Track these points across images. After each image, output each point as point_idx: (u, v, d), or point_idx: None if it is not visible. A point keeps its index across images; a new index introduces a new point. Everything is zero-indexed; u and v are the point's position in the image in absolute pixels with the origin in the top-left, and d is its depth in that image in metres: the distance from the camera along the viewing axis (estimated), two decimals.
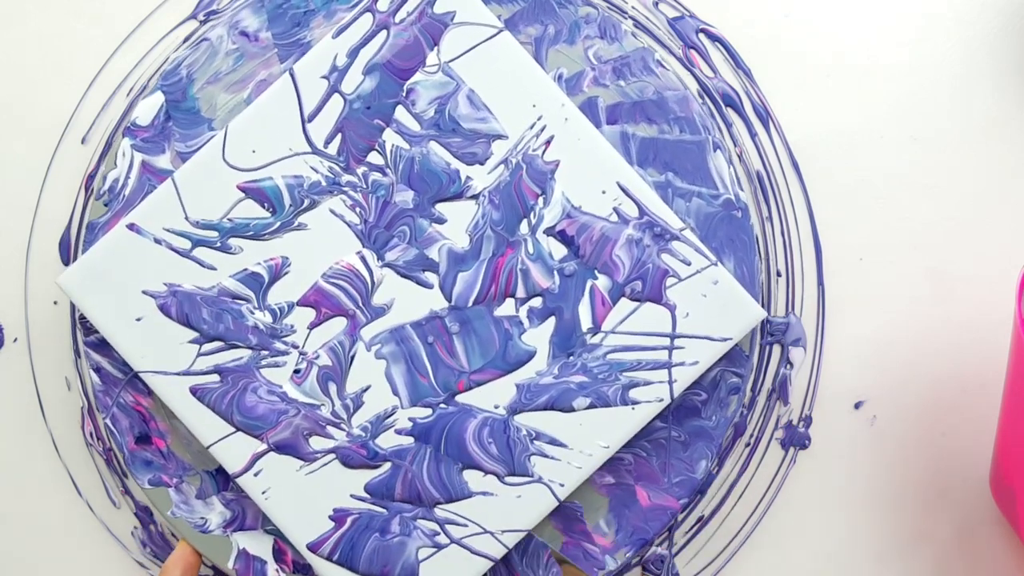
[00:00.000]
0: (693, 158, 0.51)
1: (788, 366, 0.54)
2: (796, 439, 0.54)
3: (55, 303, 0.54)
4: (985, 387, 0.53)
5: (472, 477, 0.50)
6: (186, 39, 0.54)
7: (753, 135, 0.54)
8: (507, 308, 0.50)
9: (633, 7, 0.54)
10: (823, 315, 0.54)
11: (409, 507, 0.50)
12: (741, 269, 0.51)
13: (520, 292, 0.50)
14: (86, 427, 0.54)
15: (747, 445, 0.54)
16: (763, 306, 0.53)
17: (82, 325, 0.52)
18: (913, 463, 0.54)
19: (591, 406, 0.50)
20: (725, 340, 0.50)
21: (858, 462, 0.54)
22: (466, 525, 0.50)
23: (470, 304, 0.50)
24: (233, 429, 0.50)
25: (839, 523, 0.54)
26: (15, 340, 0.54)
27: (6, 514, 0.54)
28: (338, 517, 0.50)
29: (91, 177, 0.54)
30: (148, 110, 0.52)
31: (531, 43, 0.52)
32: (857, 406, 0.54)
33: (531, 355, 0.50)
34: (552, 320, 0.50)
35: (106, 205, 0.52)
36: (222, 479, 0.52)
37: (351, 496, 0.50)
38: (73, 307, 0.54)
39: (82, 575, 0.54)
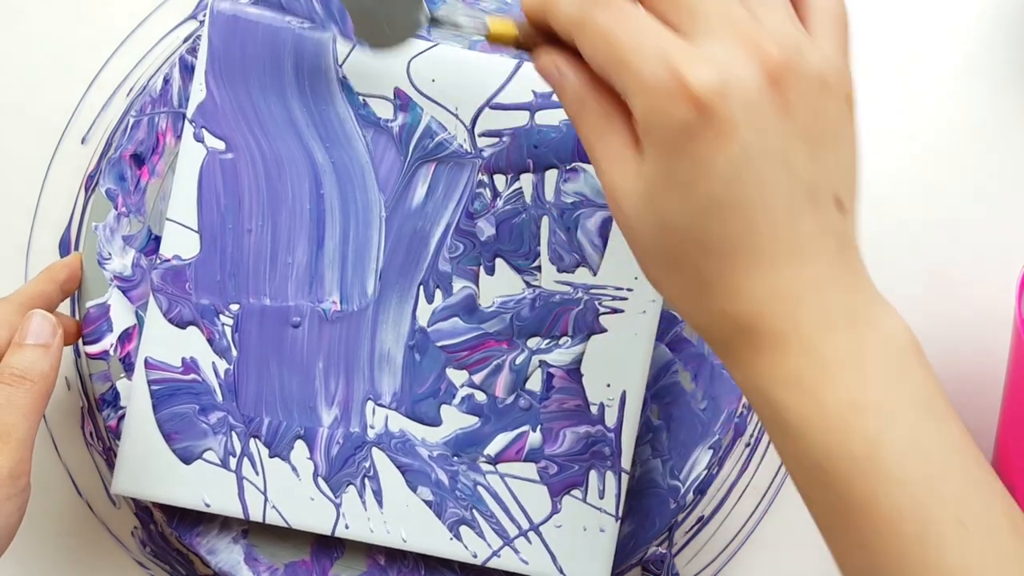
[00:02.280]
0: None
1: None
2: None
3: None
4: (985, 387, 0.53)
5: (298, 450, 0.50)
6: (186, 39, 0.54)
7: None
8: (457, 376, 0.50)
9: None
10: None
11: (238, 416, 0.50)
12: None
13: (478, 377, 0.50)
14: (86, 427, 0.54)
15: (747, 445, 0.54)
16: None
17: (193, 43, 0.52)
18: None
19: (427, 503, 0.50)
20: None
21: None
22: (257, 474, 0.50)
23: (438, 344, 0.50)
24: (195, 228, 0.50)
25: None
26: None
27: None
28: (187, 365, 0.50)
29: (91, 177, 0.54)
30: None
31: None
32: None
33: (435, 423, 0.50)
34: (475, 420, 0.50)
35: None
36: (152, 247, 0.52)
37: (212, 364, 0.51)
38: (73, 307, 0.54)
39: (82, 575, 0.54)
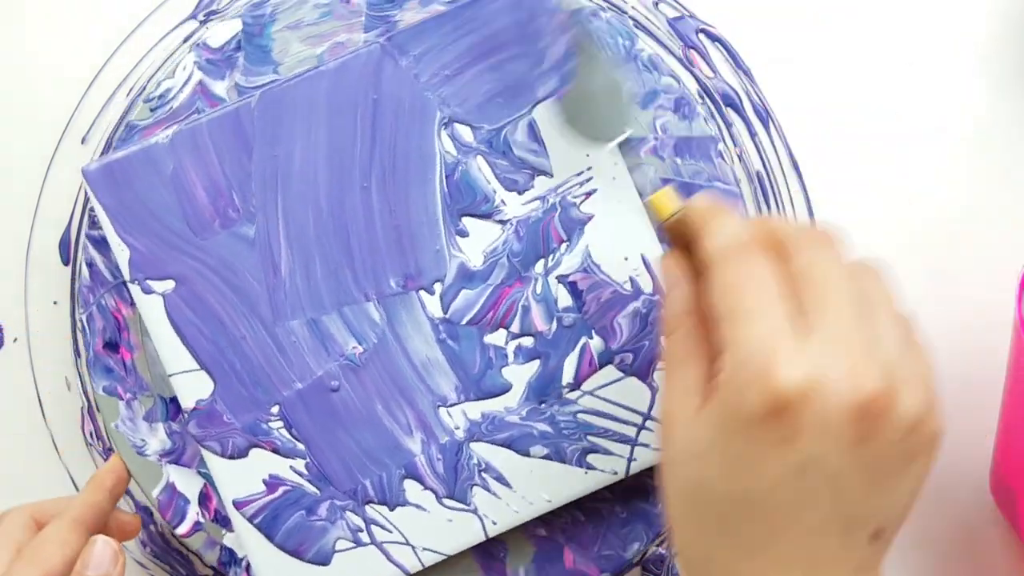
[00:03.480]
0: None
1: None
2: None
3: (55, 303, 0.54)
4: (985, 387, 0.53)
5: (411, 487, 0.50)
6: (186, 39, 0.54)
7: (753, 135, 0.54)
8: (497, 338, 0.50)
9: (633, 7, 0.54)
10: None
11: (343, 496, 0.50)
12: None
13: (515, 327, 0.50)
14: (86, 427, 0.54)
15: None
16: None
17: (90, 217, 0.53)
18: None
19: (547, 457, 0.50)
20: None
21: None
22: (391, 531, 0.50)
23: (464, 322, 0.50)
24: (197, 366, 0.50)
25: None
26: (15, 340, 0.54)
27: None
28: (271, 484, 0.50)
29: None
30: (222, 33, 0.52)
31: None
32: None
33: (505, 389, 0.50)
34: (536, 363, 0.50)
35: (152, 111, 0.52)
36: (173, 409, 0.52)
37: (291, 468, 0.50)
38: (73, 307, 0.54)
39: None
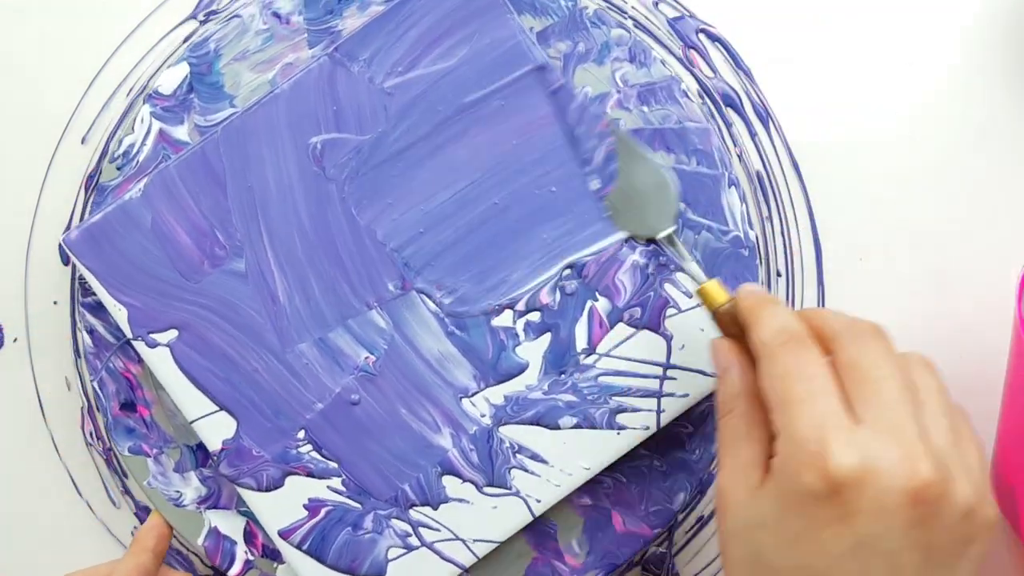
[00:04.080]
0: (707, 192, 0.51)
1: None
2: None
3: (55, 303, 0.54)
4: (985, 387, 0.53)
5: (450, 483, 0.50)
6: (186, 39, 0.54)
7: (753, 135, 0.54)
8: (505, 319, 0.50)
9: (633, 7, 0.54)
10: None
11: (384, 505, 0.50)
12: None
13: (520, 305, 0.50)
14: (86, 427, 0.54)
15: None
16: None
17: (80, 285, 0.52)
18: None
19: (577, 426, 0.50)
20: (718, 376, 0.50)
21: None
22: (439, 530, 0.50)
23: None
24: (216, 408, 0.50)
25: None
26: (15, 340, 0.54)
27: (6, 514, 0.54)
28: (312, 507, 0.50)
29: (91, 177, 0.54)
30: (172, 79, 0.52)
31: (560, 58, 0.52)
32: None
33: (522, 368, 0.50)
34: (548, 336, 0.50)
35: (119, 169, 0.52)
36: (202, 455, 0.52)
37: (328, 487, 0.50)
38: (73, 307, 0.54)
39: None
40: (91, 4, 0.54)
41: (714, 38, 0.54)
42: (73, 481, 0.54)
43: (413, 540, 0.50)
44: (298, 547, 0.50)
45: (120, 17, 0.54)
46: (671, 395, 0.50)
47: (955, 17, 0.54)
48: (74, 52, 0.54)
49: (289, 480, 0.50)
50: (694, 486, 0.52)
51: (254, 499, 0.51)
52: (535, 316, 0.50)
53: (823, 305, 0.54)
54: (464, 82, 0.50)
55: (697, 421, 0.52)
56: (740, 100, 0.54)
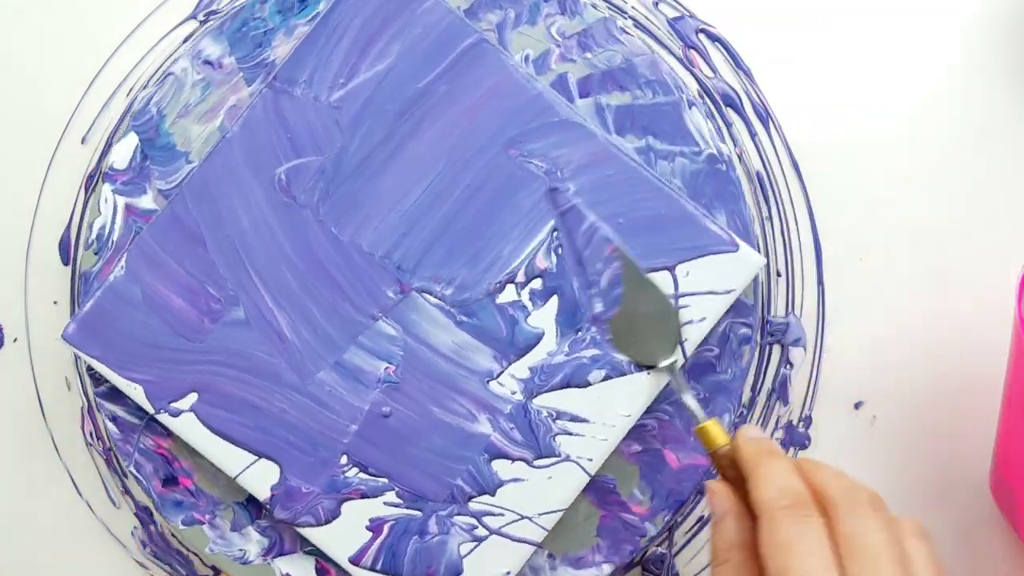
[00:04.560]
0: (670, 119, 0.52)
1: (788, 366, 0.54)
2: (796, 439, 0.54)
3: (55, 303, 0.54)
4: (985, 387, 0.53)
5: (501, 466, 0.50)
6: (186, 39, 0.54)
7: (753, 135, 0.54)
8: (509, 294, 0.50)
9: (633, 7, 0.54)
10: (823, 315, 0.54)
11: (443, 505, 0.50)
12: (734, 221, 0.52)
13: (520, 277, 0.50)
14: (86, 427, 0.54)
15: None
16: (763, 303, 0.53)
17: (91, 376, 0.52)
18: (913, 463, 0.54)
19: (606, 377, 0.50)
20: (729, 292, 0.50)
21: (858, 462, 0.54)
22: (502, 514, 0.50)
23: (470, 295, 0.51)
24: (255, 457, 0.50)
25: None
26: (15, 340, 0.54)
27: (6, 514, 0.54)
28: (375, 526, 0.50)
29: (91, 177, 0.54)
30: (124, 152, 0.52)
31: (493, 30, 0.52)
32: (857, 406, 0.54)
33: (539, 337, 0.50)
34: (555, 299, 0.50)
35: (96, 254, 0.52)
36: (254, 508, 0.52)
37: (384, 503, 0.50)
38: (73, 307, 0.54)
39: (82, 575, 0.54)
40: (91, 4, 0.54)
41: (714, 38, 0.54)
42: (73, 481, 0.54)
43: (480, 531, 0.50)
44: (372, 569, 0.50)
45: (120, 17, 0.54)
46: (689, 322, 0.50)
47: (955, 17, 0.54)
48: (74, 52, 0.54)
49: (345, 507, 0.50)
50: (735, 405, 0.52)
51: (316, 535, 0.51)
52: (537, 283, 0.50)
53: (823, 305, 0.54)
54: (406, 76, 0.50)
55: (721, 341, 0.52)
56: (740, 100, 0.54)
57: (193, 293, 0.50)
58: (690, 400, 0.47)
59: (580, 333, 0.50)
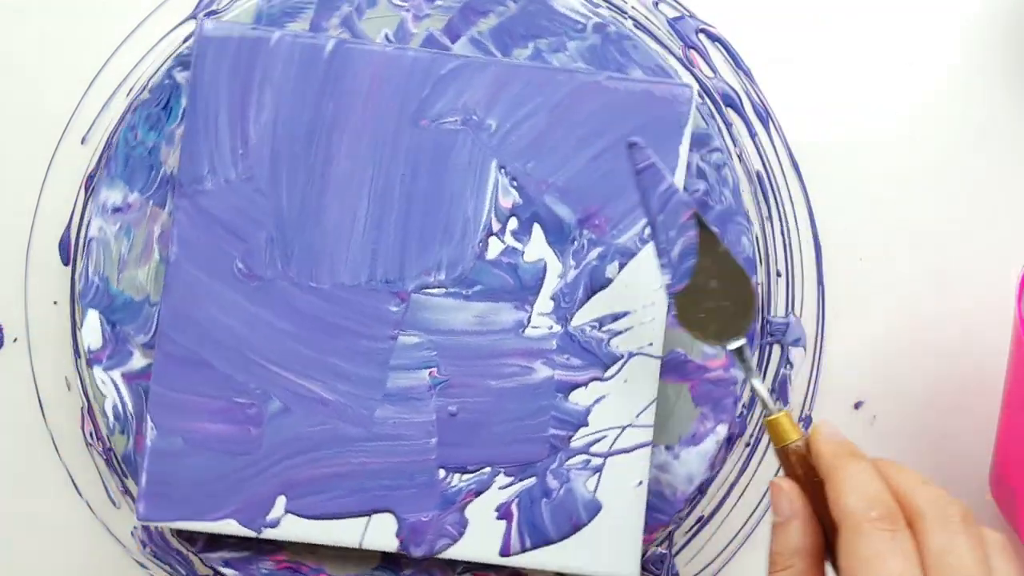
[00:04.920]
0: (543, 14, 0.52)
1: (788, 366, 0.54)
2: None
3: (55, 303, 0.54)
4: (985, 387, 0.53)
5: (578, 395, 0.51)
6: (186, 39, 0.54)
7: (753, 135, 0.54)
8: (495, 247, 0.51)
9: (633, 7, 0.54)
10: (823, 315, 0.54)
11: (550, 459, 0.51)
12: (650, 70, 0.52)
13: (495, 225, 0.51)
14: (86, 427, 0.54)
15: (747, 445, 0.54)
16: (763, 306, 0.53)
17: (183, 538, 0.53)
18: (913, 463, 0.54)
19: (621, 266, 0.51)
20: (681, 129, 0.50)
21: None
22: (605, 436, 0.51)
23: (465, 273, 0.51)
24: (366, 517, 0.50)
25: None
26: (15, 340, 0.54)
27: (6, 514, 0.54)
28: (504, 513, 0.51)
29: (91, 177, 0.54)
30: (93, 332, 0.52)
31: (343, 29, 0.52)
32: (857, 406, 0.54)
33: (543, 267, 0.51)
34: (536, 227, 0.51)
35: (123, 433, 0.52)
36: (391, 563, 0.52)
37: (499, 489, 0.51)
38: (73, 307, 0.54)
39: (82, 575, 0.54)
40: (91, 4, 0.54)
41: (714, 38, 0.54)
42: (73, 481, 0.54)
43: (595, 461, 0.51)
44: (526, 551, 0.51)
45: (120, 17, 0.54)
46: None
47: (955, 17, 0.54)
48: (74, 52, 0.54)
49: (468, 512, 0.51)
50: (747, 223, 0.52)
51: (460, 551, 0.51)
52: (513, 223, 0.51)
53: (823, 305, 0.54)
54: (294, 113, 0.50)
55: (700, 177, 0.53)
56: (740, 100, 0.54)
57: (226, 412, 0.50)
58: (761, 388, 0.44)
59: (575, 242, 0.51)
